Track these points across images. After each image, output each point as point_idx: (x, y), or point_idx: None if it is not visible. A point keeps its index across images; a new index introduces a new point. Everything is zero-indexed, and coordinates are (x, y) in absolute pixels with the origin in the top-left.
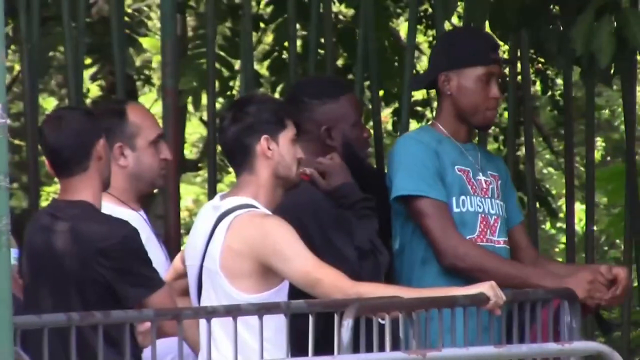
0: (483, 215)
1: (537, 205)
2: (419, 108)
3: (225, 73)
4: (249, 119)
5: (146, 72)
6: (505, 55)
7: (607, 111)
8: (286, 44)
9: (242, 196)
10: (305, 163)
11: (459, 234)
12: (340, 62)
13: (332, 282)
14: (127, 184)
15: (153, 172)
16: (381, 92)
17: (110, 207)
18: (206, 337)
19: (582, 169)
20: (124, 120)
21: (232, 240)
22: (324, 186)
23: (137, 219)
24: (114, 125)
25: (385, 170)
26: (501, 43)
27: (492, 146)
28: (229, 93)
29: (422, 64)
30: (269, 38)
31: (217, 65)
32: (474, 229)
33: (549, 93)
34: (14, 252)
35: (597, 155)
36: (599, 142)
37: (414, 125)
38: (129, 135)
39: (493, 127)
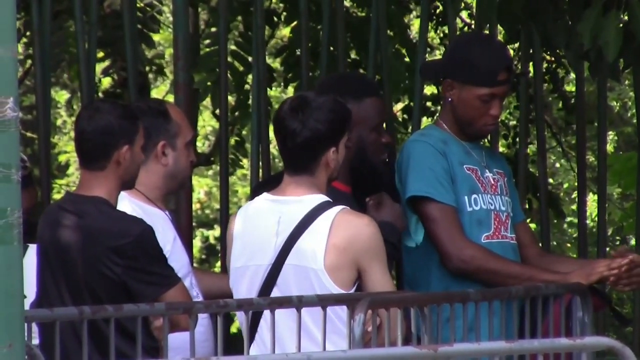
0: (495, 212)
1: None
2: (429, 104)
3: (240, 68)
4: (320, 127)
5: (158, 61)
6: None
7: (617, 104)
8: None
9: (315, 194)
10: None
11: (465, 237)
12: (351, 57)
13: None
14: (161, 183)
15: (185, 173)
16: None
17: (139, 204)
18: (270, 327)
19: (592, 159)
20: (168, 119)
21: (336, 237)
22: (373, 215)
23: (164, 218)
24: (160, 123)
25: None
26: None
27: (502, 144)
28: (243, 88)
29: None
30: (282, 32)
31: (231, 60)
32: (489, 226)
33: (560, 90)
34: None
35: (610, 148)
36: (611, 135)
37: (425, 123)
38: (172, 134)
39: (502, 127)
